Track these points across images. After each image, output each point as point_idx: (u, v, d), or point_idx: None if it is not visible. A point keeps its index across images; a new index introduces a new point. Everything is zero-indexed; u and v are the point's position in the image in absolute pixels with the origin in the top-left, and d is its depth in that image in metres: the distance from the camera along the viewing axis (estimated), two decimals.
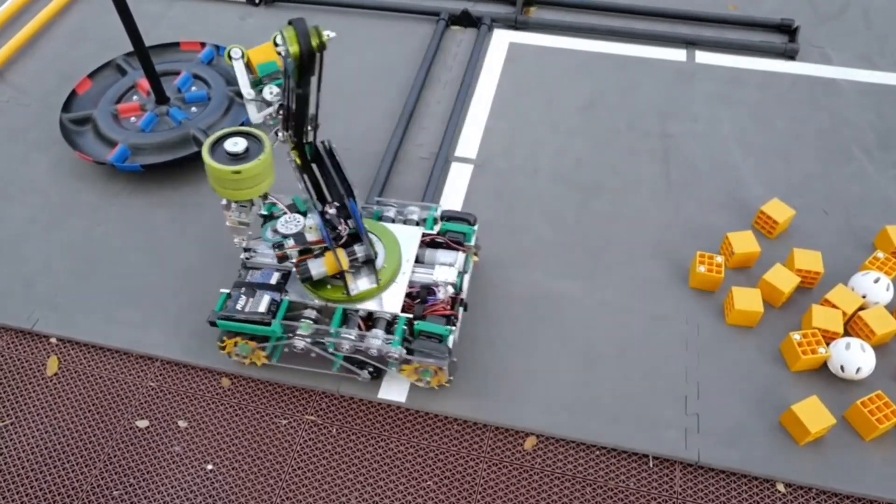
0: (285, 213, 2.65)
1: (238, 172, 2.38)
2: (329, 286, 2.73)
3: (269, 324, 2.64)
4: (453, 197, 3.54)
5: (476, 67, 4.20)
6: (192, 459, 2.75)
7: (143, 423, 2.84)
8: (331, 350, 2.72)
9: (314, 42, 2.05)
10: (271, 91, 2.48)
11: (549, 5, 4.56)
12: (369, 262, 2.66)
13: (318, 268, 2.60)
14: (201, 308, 3.14)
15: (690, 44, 4.30)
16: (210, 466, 2.73)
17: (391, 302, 2.73)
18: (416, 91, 3.98)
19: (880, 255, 3.11)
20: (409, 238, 2.89)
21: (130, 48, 4.15)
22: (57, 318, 3.14)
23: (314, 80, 2.21)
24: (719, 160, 3.68)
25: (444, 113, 3.96)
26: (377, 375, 2.86)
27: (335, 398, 2.89)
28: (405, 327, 2.69)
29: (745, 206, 3.46)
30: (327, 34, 2.09)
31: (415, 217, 3.04)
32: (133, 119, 3.77)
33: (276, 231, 2.62)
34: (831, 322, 2.89)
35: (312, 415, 2.85)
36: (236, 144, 2.41)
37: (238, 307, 2.67)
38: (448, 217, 3.03)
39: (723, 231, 3.35)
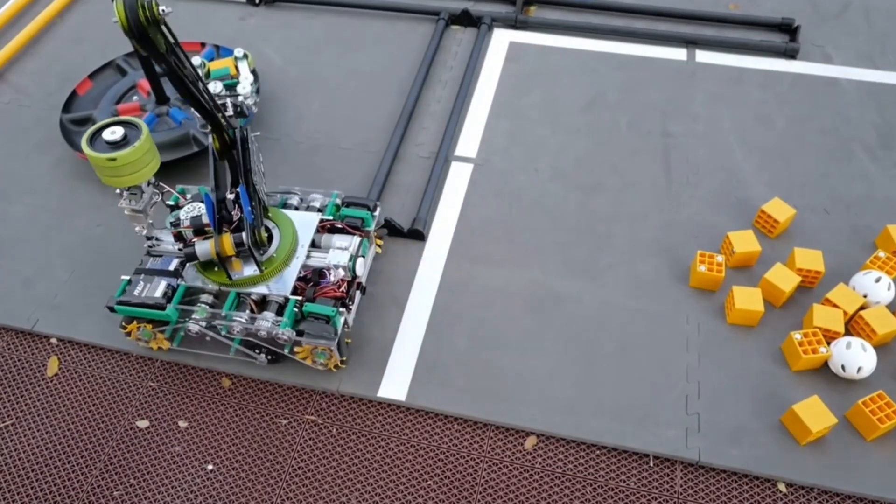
0: (191, 202, 2.79)
1: (113, 160, 2.47)
2: (219, 270, 2.80)
3: (163, 308, 2.73)
4: (453, 196, 3.54)
5: (476, 67, 4.19)
6: (193, 459, 2.74)
7: (143, 424, 2.84)
8: (224, 333, 2.79)
9: (142, 15, 2.05)
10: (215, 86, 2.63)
11: (550, 5, 4.56)
12: (257, 248, 2.74)
13: (204, 249, 2.68)
14: None
15: (691, 43, 4.29)
16: (210, 466, 2.73)
17: (282, 285, 2.81)
18: (416, 90, 3.98)
19: (881, 254, 3.11)
20: (306, 224, 2.99)
21: (131, 48, 4.16)
22: (57, 318, 3.14)
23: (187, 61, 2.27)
24: (720, 159, 3.68)
25: (444, 112, 3.95)
26: (275, 359, 2.91)
27: (335, 398, 2.89)
28: (296, 310, 2.75)
29: (745, 205, 3.46)
30: (162, 9, 2.11)
31: (317, 204, 3.14)
32: None
33: (178, 218, 2.75)
34: (832, 321, 2.89)
35: (312, 415, 2.85)
36: (114, 133, 2.51)
37: (136, 293, 2.76)
38: (349, 203, 3.13)
39: (723, 230, 3.34)
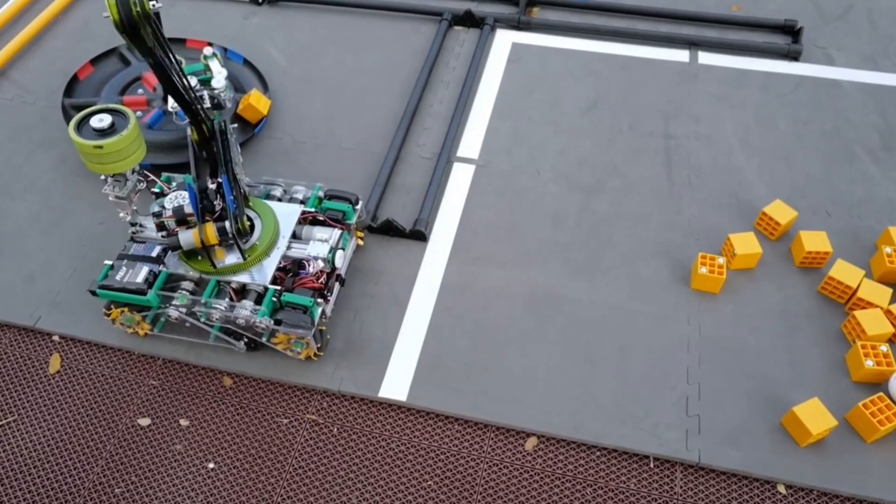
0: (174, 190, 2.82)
1: (100, 147, 2.49)
2: (202, 258, 2.85)
3: (144, 293, 2.77)
4: (455, 197, 3.55)
5: (479, 67, 4.20)
6: (194, 458, 2.75)
7: (144, 422, 2.85)
8: (203, 320, 2.83)
9: (134, 11, 2.08)
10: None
11: (552, 6, 4.56)
12: (240, 237, 2.79)
13: (187, 238, 2.73)
14: None
15: (693, 44, 4.29)
16: (211, 465, 2.73)
17: (262, 274, 2.86)
18: (418, 91, 3.98)
19: (888, 249, 3.10)
20: (288, 215, 3.04)
21: None
22: (59, 315, 3.14)
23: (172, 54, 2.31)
24: (722, 161, 3.68)
25: (446, 113, 3.96)
26: (254, 347, 2.95)
27: (336, 397, 2.90)
28: (274, 299, 2.80)
29: (747, 207, 3.46)
30: (153, 3, 2.14)
31: (299, 196, 3.17)
32: (139, 113, 3.76)
33: (162, 207, 2.78)
34: (878, 324, 2.90)
35: (313, 414, 2.86)
36: (101, 121, 2.52)
37: (118, 278, 2.80)
38: (331, 196, 3.14)
39: (725, 232, 3.35)
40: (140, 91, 3.87)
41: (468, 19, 4.43)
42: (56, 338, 3.11)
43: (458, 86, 4.10)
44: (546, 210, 3.48)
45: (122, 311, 2.90)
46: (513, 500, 2.63)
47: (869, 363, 2.78)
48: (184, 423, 2.85)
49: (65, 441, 2.80)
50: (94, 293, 2.84)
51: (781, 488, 2.64)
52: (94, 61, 4.02)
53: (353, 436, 2.80)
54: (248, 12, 4.60)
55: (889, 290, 3.01)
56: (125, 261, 2.87)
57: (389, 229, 3.36)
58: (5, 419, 2.86)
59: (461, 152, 3.76)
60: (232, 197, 2.72)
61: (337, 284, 3.00)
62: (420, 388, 2.87)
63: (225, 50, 4.14)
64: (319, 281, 2.86)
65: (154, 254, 2.89)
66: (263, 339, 2.85)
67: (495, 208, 3.50)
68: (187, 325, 2.91)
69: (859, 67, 4.13)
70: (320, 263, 2.88)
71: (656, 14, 4.45)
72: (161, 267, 2.88)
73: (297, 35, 4.43)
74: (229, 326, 2.85)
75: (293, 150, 3.78)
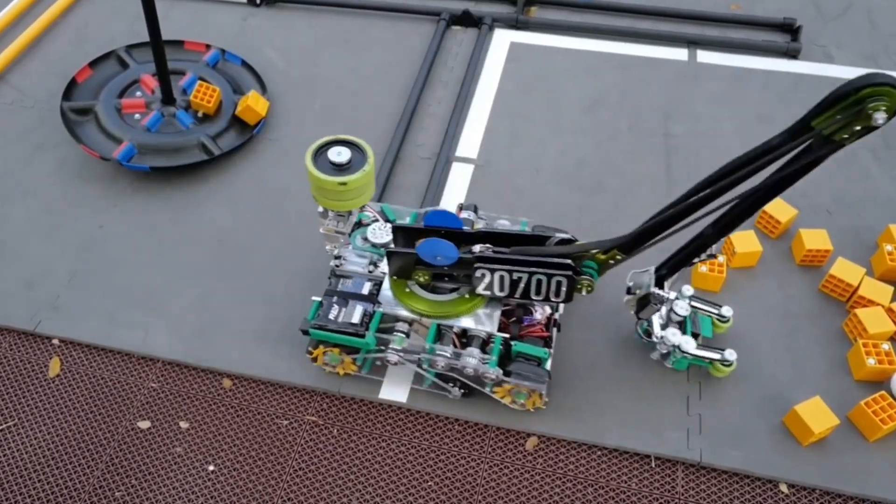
0: (376, 220, 2.69)
1: (344, 184, 2.38)
2: (424, 298, 2.65)
3: (362, 335, 2.58)
4: (454, 197, 3.54)
5: (477, 67, 4.19)
6: (194, 460, 2.75)
7: (144, 424, 2.85)
8: (425, 366, 2.66)
9: None
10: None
11: (551, 5, 4.55)
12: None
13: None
14: (203, 309, 3.14)
15: (693, 43, 4.28)
16: (211, 467, 2.73)
17: (488, 320, 2.63)
18: (416, 91, 3.98)
19: (888, 247, 3.10)
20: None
21: (132, 42, 4.16)
22: (59, 319, 3.14)
23: None
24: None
25: (444, 113, 3.95)
26: (468, 393, 2.76)
27: (336, 399, 2.89)
28: (501, 347, 2.59)
29: None
30: None
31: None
32: (137, 116, 3.76)
33: (365, 239, 2.65)
34: (880, 322, 2.88)
35: (313, 415, 2.85)
36: (340, 154, 2.41)
37: (331, 317, 2.62)
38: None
39: None
40: (138, 94, 3.87)
41: (466, 19, 4.43)
42: (56, 341, 3.10)
43: (456, 86, 4.09)
44: (545, 210, 3.47)
45: (326, 351, 2.73)
46: (514, 500, 2.62)
47: (871, 361, 2.77)
48: (184, 425, 2.84)
49: (65, 445, 2.80)
50: (305, 332, 2.64)
51: (783, 487, 2.63)
52: (93, 64, 4.02)
53: (353, 437, 2.79)
54: (246, 14, 4.60)
55: (890, 289, 3.00)
56: (334, 298, 2.67)
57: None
58: (5, 424, 2.86)
59: (460, 152, 3.76)
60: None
61: (555, 330, 2.76)
62: (420, 389, 2.87)
63: (223, 52, 4.14)
64: (546, 328, 2.65)
65: (365, 291, 2.67)
66: (487, 390, 2.69)
67: (494, 208, 3.48)
68: (404, 368, 2.72)
69: (859, 66, 4.12)
70: (547, 309, 2.67)
71: (655, 13, 4.44)
72: (376, 306, 2.66)
73: (295, 36, 4.43)
74: (450, 374, 2.66)
75: (292, 152, 3.78)
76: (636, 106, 3.95)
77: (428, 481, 2.68)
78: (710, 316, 2.88)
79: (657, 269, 2.63)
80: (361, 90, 4.09)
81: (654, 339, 2.76)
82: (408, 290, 2.68)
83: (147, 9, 3.34)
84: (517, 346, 2.58)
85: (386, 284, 2.72)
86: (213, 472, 2.72)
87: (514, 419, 2.78)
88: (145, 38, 3.77)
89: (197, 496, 2.66)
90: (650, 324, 2.78)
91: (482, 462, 2.72)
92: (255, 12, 4.60)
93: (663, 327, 2.76)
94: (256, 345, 3.02)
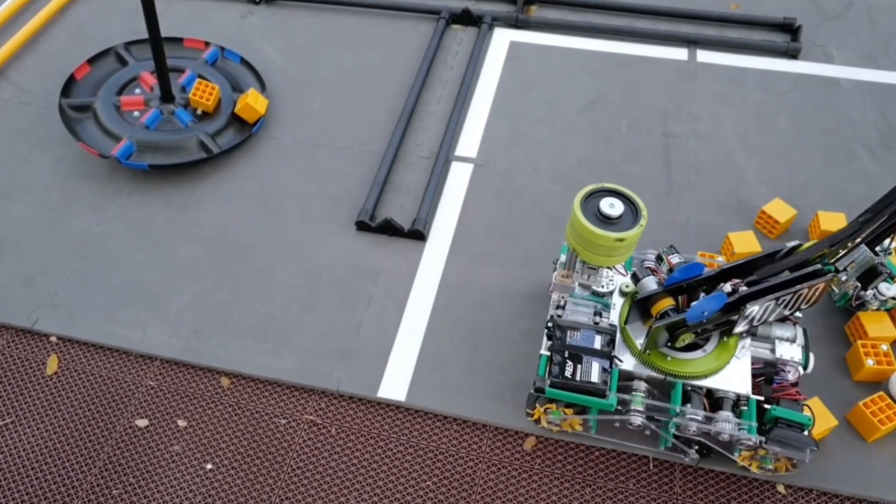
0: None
1: (622, 240, 2.20)
2: (670, 358, 2.48)
3: (604, 395, 2.40)
4: (454, 196, 3.54)
5: (477, 66, 4.19)
6: (192, 459, 2.74)
7: (142, 423, 2.84)
8: (673, 430, 2.49)
9: None
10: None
11: (551, 4, 4.55)
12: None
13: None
14: (201, 308, 3.14)
15: (692, 42, 4.28)
16: (209, 466, 2.73)
17: (738, 380, 2.45)
18: (416, 90, 3.98)
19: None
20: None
21: (131, 39, 4.15)
22: (57, 316, 3.14)
23: None
24: (721, 160, 3.67)
25: (444, 112, 3.95)
26: (707, 454, 2.59)
27: (334, 398, 2.89)
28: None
29: (746, 205, 3.45)
30: None
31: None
32: (136, 114, 3.75)
33: (585, 287, 2.55)
34: (882, 327, 2.87)
35: (312, 415, 2.85)
36: (612, 206, 2.23)
37: (568, 374, 2.42)
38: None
39: (724, 231, 3.34)
40: (137, 91, 3.86)
41: (466, 18, 4.42)
42: (53, 339, 3.10)
43: (456, 85, 4.09)
44: (545, 209, 3.47)
45: (548, 408, 2.56)
46: (512, 500, 2.62)
47: (869, 362, 2.77)
48: (182, 423, 2.84)
49: (62, 442, 2.80)
50: (540, 390, 2.47)
51: (781, 488, 2.63)
52: (91, 61, 4.01)
53: (351, 436, 2.79)
54: (246, 11, 4.59)
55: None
56: (565, 353, 2.46)
57: (388, 229, 3.35)
58: (2, 421, 2.86)
59: (459, 151, 3.76)
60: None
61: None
62: (419, 388, 2.87)
63: (222, 49, 4.13)
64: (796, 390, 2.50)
65: (597, 346, 2.47)
66: (735, 455, 2.52)
67: (494, 207, 3.49)
68: (647, 432, 2.57)
69: (858, 65, 4.12)
70: (800, 370, 2.49)
71: (655, 12, 4.44)
72: (616, 364, 2.47)
73: (294, 34, 4.42)
74: (699, 438, 2.48)
75: (291, 150, 3.77)
76: (636, 105, 3.95)
77: (426, 481, 2.68)
78: None
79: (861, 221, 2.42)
80: (361, 88, 4.09)
81: (867, 298, 2.83)
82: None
83: (146, 6, 3.34)
84: (775, 409, 2.40)
85: (618, 339, 2.55)
86: (210, 470, 2.72)
87: (513, 419, 2.78)
88: (144, 35, 3.77)
89: (195, 495, 2.65)
90: (856, 287, 2.81)
91: (480, 462, 2.72)
92: (255, 10, 4.59)
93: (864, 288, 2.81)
94: (255, 343, 3.02)
